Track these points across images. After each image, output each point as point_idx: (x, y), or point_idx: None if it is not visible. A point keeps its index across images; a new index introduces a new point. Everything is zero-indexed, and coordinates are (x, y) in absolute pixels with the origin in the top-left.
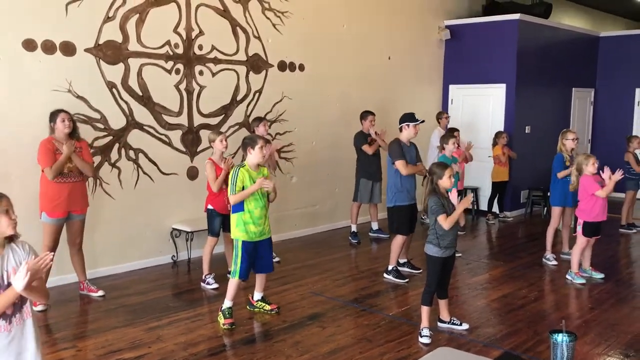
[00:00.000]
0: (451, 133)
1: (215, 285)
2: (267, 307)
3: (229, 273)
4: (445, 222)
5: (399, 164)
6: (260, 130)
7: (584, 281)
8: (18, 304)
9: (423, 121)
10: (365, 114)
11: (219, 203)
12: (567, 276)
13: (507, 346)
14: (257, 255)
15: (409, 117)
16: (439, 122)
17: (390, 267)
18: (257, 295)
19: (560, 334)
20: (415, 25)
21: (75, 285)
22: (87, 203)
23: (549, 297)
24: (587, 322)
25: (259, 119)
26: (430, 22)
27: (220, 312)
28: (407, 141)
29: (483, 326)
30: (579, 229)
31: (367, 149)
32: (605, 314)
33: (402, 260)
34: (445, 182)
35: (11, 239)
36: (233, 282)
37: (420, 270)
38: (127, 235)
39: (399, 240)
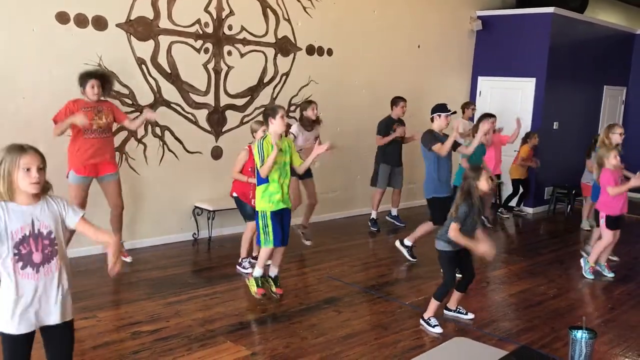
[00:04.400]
0: (488, 115)
1: (251, 271)
2: (273, 288)
3: (239, 262)
4: (454, 233)
5: (437, 148)
6: (308, 113)
7: (592, 277)
8: (47, 254)
9: (455, 112)
10: (396, 100)
11: (244, 192)
12: (582, 261)
13: (523, 341)
14: (282, 223)
15: (440, 108)
16: (463, 112)
17: (406, 242)
18: (273, 271)
19: (580, 331)
20: (447, 14)
21: (97, 257)
22: (116, 163)
23: (568, 294)
24: (607, 322)
25: (309, 102)
26: (462, 11)
27: (251, 278)
28: (440, 131)
29: (499, 320)
30: (602, 222)
31: (378, 141)
32: (626, 314)
33: (407, 243)
34: (482, 184)
35: (45, 192)
36: (266, 250)
37: (415, 260)
38: (149, 211)
39: (429, 225)
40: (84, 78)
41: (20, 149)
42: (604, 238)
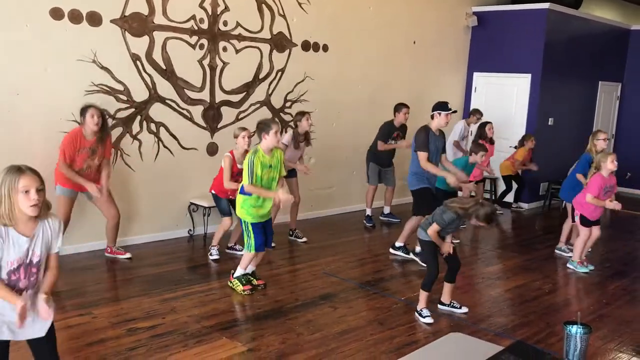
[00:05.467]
0: (483, 145)
1: (216, 257)
2: (255, 282)
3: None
4: (432, 231)
5: (421, 156)
6: (303, 124)
7: (587, 270)
8: (33, 280)
9: (455, 111)
10: (400, 107)
11: (219, 189)
12: (569, 265)
13: (519, 336)
14: (266, 231)
15: (441, 106)
16: (469, 116)
17: (397, 244)
18: (250, 267)
19: (575, 326)
20: (442, 10)
21: (92, 254)
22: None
23: (563, 290)
24: (601, 317)
25: (302, 113)
26: (457, 7)
27: (233, 279)
28: (437, 130)
29: (495, 315)
30: (577, 219)
31: (381, 146)
32: (620, 310)
33: (398, 244)
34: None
35: (46, 211)
36: (248, 255)
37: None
38: (145, 207)
39: (414, 220)
40: (84, 109)
41: (18, 171)
42: (581, 234)
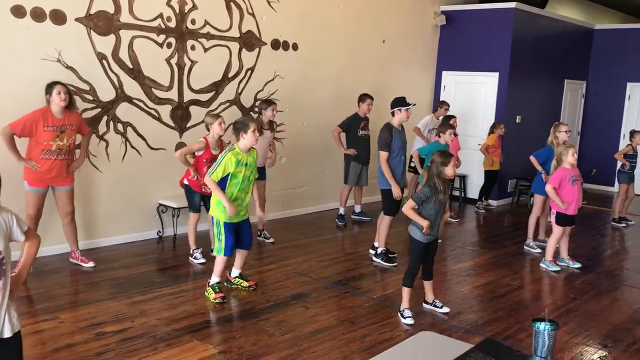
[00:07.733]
0: (449, 122)
1: (203, 261)
2: (245, 284)
3: (212, 251)
4: (408, 209)
5: (382, 155)
6: (267, 114)
7: (558, 269)
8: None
9: (414, 104)
10: (363, 97)
11: (193, 181)
12: (542, 264)
13: (488, 333)
14: (239, 232)
15: (400, 102)
16: (436, 109)
17: (379, 250)
18: (235, 272)
19: (543, 323)
20: (412, 9)
21: (59, 257)
22: (72, 177)
23: (531, 286)
24: (568, 311)
25: (269, 102)
26: (426, 6)
27: (208, 288)
28: (399, 125)
29: (465, 312)
30: (552, 218)
31: (335, 131)
32: (586, 304)
33: (379, 250)
34: (449, 170)
35: None
36: (220, 259)
37: (395, 255)
38: (113, 209)
39: (386, 221)
40: (50, 86)
41: None
42: (554, 233)
